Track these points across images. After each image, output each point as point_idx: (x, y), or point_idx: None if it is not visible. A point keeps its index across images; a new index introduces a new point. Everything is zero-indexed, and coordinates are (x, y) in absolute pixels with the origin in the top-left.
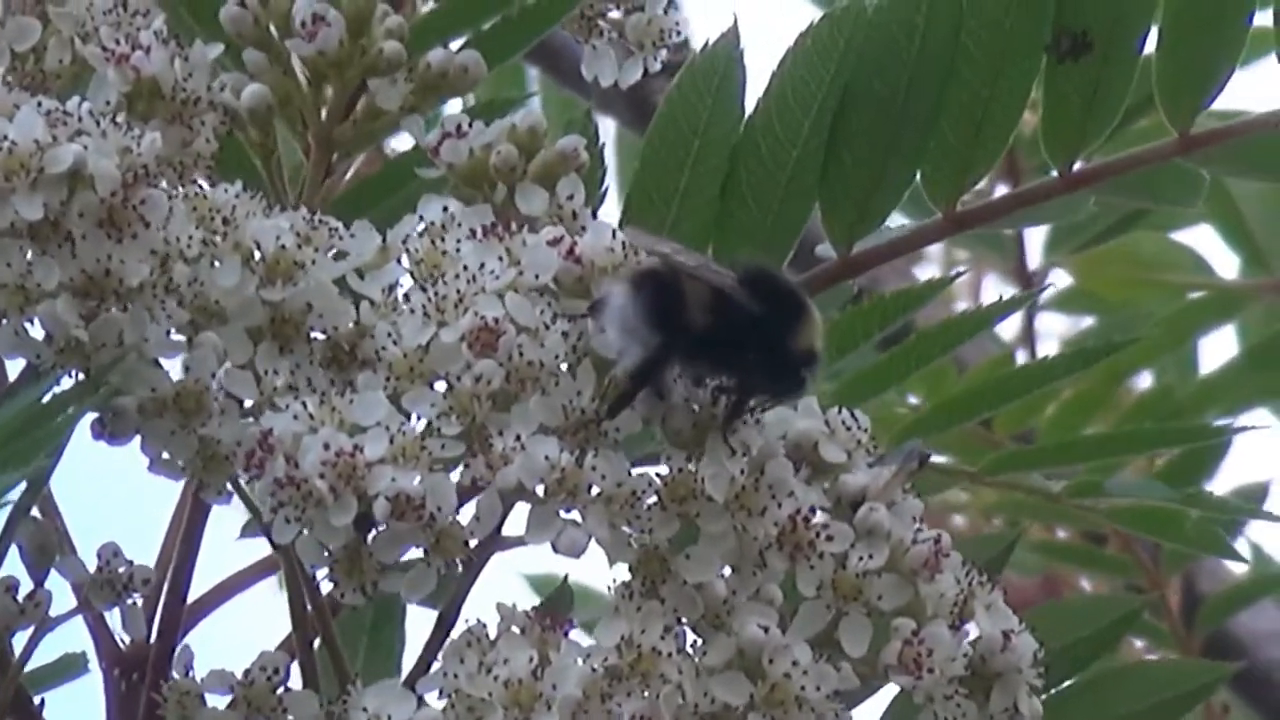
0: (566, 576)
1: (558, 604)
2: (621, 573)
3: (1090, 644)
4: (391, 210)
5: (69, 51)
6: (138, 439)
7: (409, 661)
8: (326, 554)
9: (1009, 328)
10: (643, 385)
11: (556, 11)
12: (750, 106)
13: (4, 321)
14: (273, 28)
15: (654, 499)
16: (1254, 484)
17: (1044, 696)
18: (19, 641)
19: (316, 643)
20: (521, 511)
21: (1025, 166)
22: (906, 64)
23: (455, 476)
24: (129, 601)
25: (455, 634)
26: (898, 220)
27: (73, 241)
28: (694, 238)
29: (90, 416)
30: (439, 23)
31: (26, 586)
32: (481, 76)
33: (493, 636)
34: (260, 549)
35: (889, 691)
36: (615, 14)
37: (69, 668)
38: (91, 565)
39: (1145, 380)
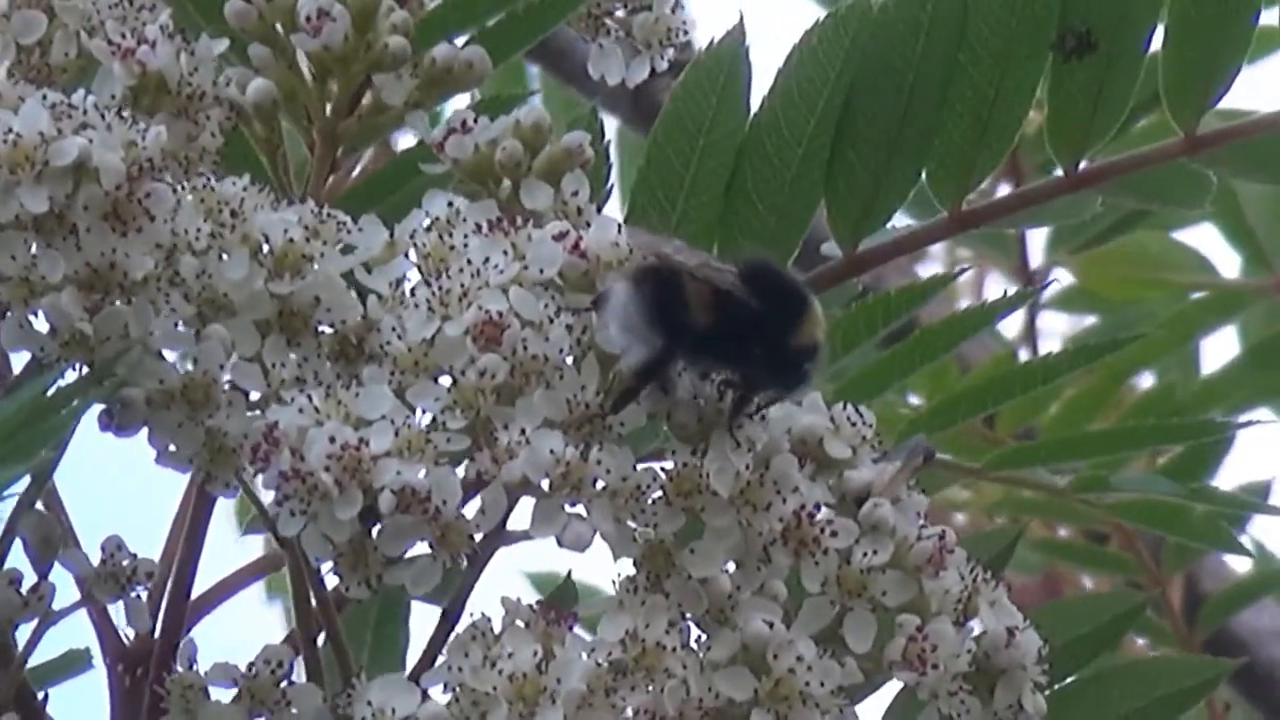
0: (570, 572)
1: (561, 600)
2: (625, 568)
3: (1092, 641)
4: (396, 206)
5: (74, 45)
6: (145, 431)
7: (413, 658)
8: (331, 547)
9: (1011, 327)
10: (647, 382)
11: (561, 9)
12: (756, 105)
13: (8, 314)
14: (278, 23)
15: (659, 493)
16: (1255, 483)
17: (1046, 693)
18: (23, 636)
19: (320, 638)
20: (526, 506)
21: (1028, 168)
22: (912, 62)
23: (460, 471)
24: (133, 595)
25: (460, 628)
26: (901, 222)
27: (77, 234)
28: (699, 236)
29: (95, 410)
30: (444, 18)
31: (29, 580)
32: (487, 72)
33: (497, 631)
34: (260, 547)
35: (892, 688)
36: (622, 12)
37: (73, 663)
38: (95, 559)
39: (1147, 381)
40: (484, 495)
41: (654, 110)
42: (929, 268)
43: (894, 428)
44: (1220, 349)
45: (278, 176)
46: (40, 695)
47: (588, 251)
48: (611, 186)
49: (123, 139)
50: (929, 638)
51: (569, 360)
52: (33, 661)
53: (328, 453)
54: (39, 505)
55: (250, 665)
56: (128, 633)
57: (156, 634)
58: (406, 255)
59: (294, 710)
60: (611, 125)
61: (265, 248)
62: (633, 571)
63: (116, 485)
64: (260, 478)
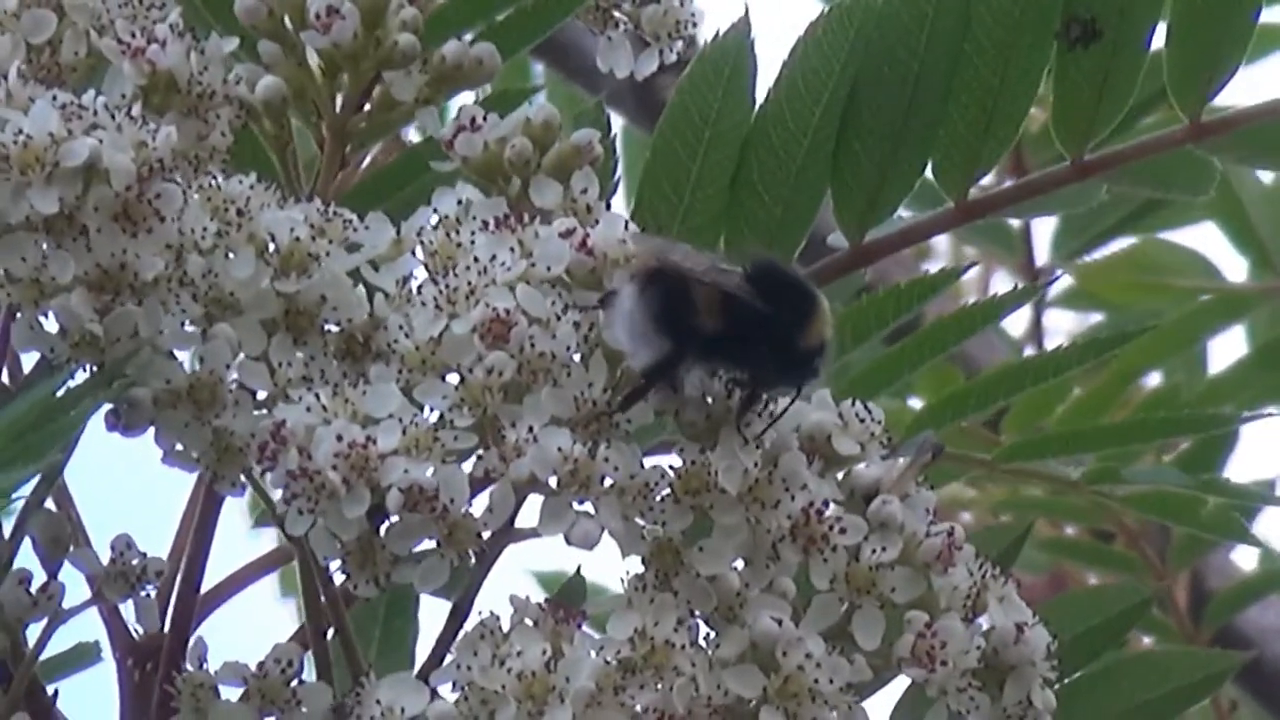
0: (579, 569)
1: (569, 598)
2: (632, 567)
3: (1100, 635)
4: (404, 203)
5: (84, 44)
6: (152, 431)
7: (422, 652)
8: (339, 545)
9: (1017, 325)
10: (656, 383)
11: (570, 3)
12: (761, 97)
13: (19, 315)
14: (287, 20)
15: (667, 491)
16: (1260, 480)
17: (1055, 688)
18: (33, 633)
19: (328, 635)
20: (534, 504)
21: (1031, 163)
22: (917, 53)
23: (467, 468)
24: (142, 594)
25: (468, 627)
26: (905, 215)
27: (87, 235)
28: (705, 228)
29: (102, 410)
30: (454, 15)
31: (39, 579)
32: (496, 69)
33: (506, 629)
34: (271, 541)
35: (900, 684)
36: (630, 5)
37: (82, 657)
38: (104, 558)
39: (1153, 381)
40: (492, 493)
41: (657, 107)
42: (933, 267)
43: (902, 424)
44: (1227, 351)
45: (287, 174)
46: (50, 690)
47: (595, 249)
48: (618, 182)
49: (133, 139)
50: (938, 634)
51: (576, 358)
52: (42, 654)
53: (335, 451)
54: (49, 504)
55: (260, 664)
56: (137, 628)
57: (166, 629)
58: (413, 253)
59: (304, 709)
60: (616, 122)
61: (271, 246)
62: (641, 569)
63: (125, 484)
64: (268, 476)
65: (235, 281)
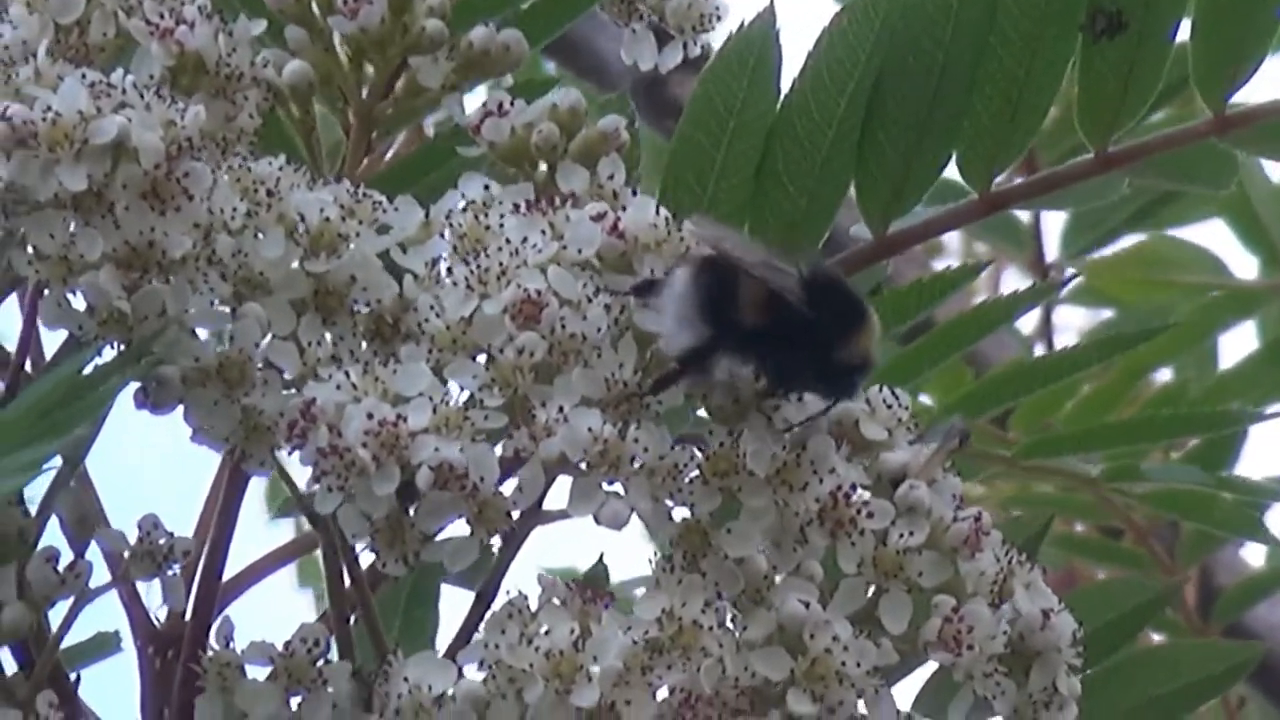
0: (602, 555)
1: (594, 583)
2: (634, 566)
3: (1116, 629)
4: (429, 188)
5: (113, 25)
6: (180, 410)
7: (442, 642)
8: (368, 524)
9: (1027, 322)
10: (689, 368)
11: None
12: (786, 87)
13: (47, 292)
14: (314, 5)
15: (695, 473)
16: (1270, 477)
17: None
18: (55, 616)
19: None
20: (561, 487)
21: (1041, 160)
22: (942, 44)
23: (497, 449)
24: (169, 573)
25: (496, 606)
26: (924, 212)
27: (115, 213)
28: (729, 218)
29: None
30: (481, 1)
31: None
32: (524, 55)
33: (534, 608)
34: (289, 533)
35: (925, 670)
36: None
37: (102, 646)
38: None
39: (1163, 377)
40: (522, 473)
41: (667, 105)
42: (942, 264)
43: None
44: (1237, 347)
45: (313, 159)
46: (73, 677)
47: (626, 232)
48: (640, 174)
49: (161, 118)
50: (964, 619)
51: (606, 340)
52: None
53: (365, 429)
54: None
55: (287, 644)
56: (158, 615)
57: (188, 615)
58: (442, 235)
59: (330, 689)
60: None
61: (301, 227)
62: (656, 556)
63: (142, 469)
64: (296, 455)
65: (265, 261)
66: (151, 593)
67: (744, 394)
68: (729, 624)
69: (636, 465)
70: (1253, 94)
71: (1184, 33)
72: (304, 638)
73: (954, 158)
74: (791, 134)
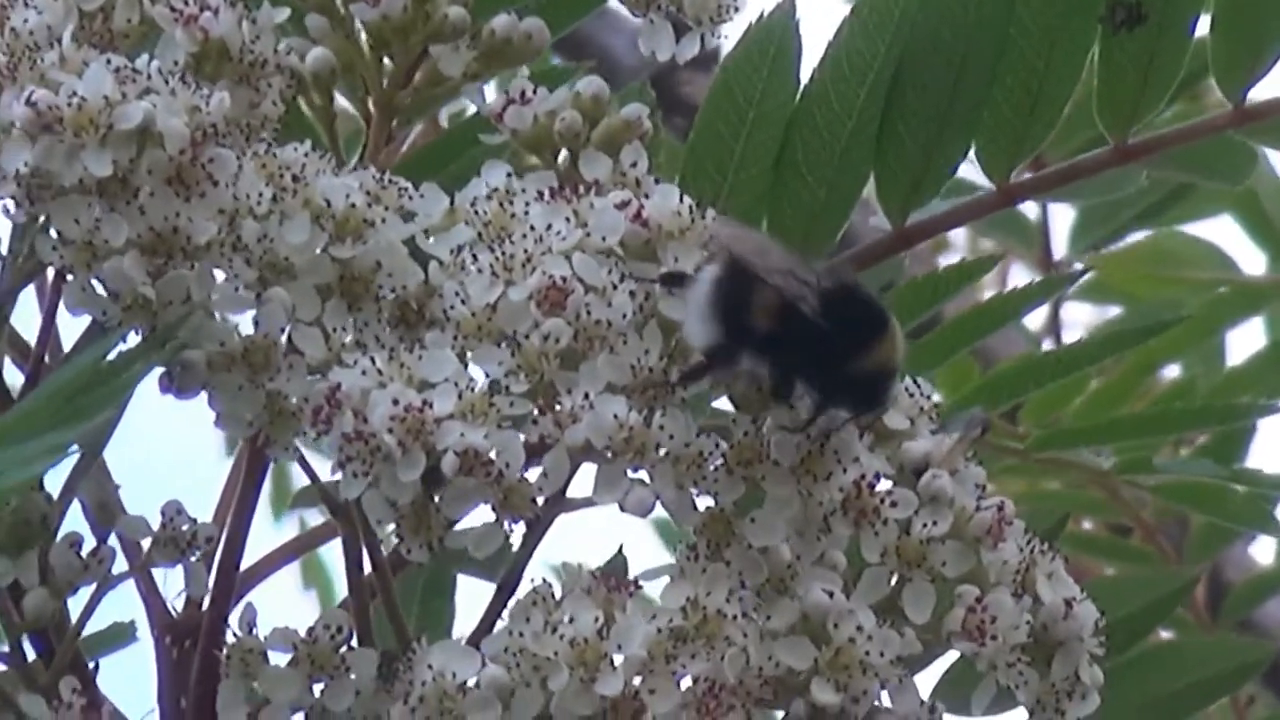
0: (621, 547)
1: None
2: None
3: (1132, 624)
4: (451, 177)
5: (137, 11)
6: (204, 395)
7: (458, 633)
8: (393, 510)
9: (1035, 318)
10: (715, 363)
11: None
12: (805, 77)
13: (71, 278)
14: None
15: (720, 461)
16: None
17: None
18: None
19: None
20: (584, 475)
21: (1049, 155)
22: (962, 35)
23: (522, 435)
24: (192, 559)
25: (520, 594)
26: (941, 205)
27: (140, 198)
28: (748, 209)
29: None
30: None
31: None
32: (545, 44)
33: (558, 596)
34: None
35: (946, 658)
36: None
37: (117, 636)
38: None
39: (1172, 373)
40: (547, 459)
41: (676, 101)
42: (949, 260)
43: None
44: (1246, 344)
45: (335, 147)
46: (91, 665)
47: (649, 220)
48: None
49: (186, 104)
50: (988, 608)
51: (632, 326)
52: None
53: (391, 414)
54: None
55: (310, 630)
56: (175, 606)
57: (204, 605)
58: (467, 223)
59: (353, 675)
60: None
61: (327, 212)
62: (692, 540)
63: (149, 464)
64: (321, 441)
65: (290, 246)
66: (168, 582)
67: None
68: (752, 613)
69: (662, 452)
70: (1264, 91)
71: (1200, 27)
72: (327, 624)
73: (973, 149)
74: (811, 125)
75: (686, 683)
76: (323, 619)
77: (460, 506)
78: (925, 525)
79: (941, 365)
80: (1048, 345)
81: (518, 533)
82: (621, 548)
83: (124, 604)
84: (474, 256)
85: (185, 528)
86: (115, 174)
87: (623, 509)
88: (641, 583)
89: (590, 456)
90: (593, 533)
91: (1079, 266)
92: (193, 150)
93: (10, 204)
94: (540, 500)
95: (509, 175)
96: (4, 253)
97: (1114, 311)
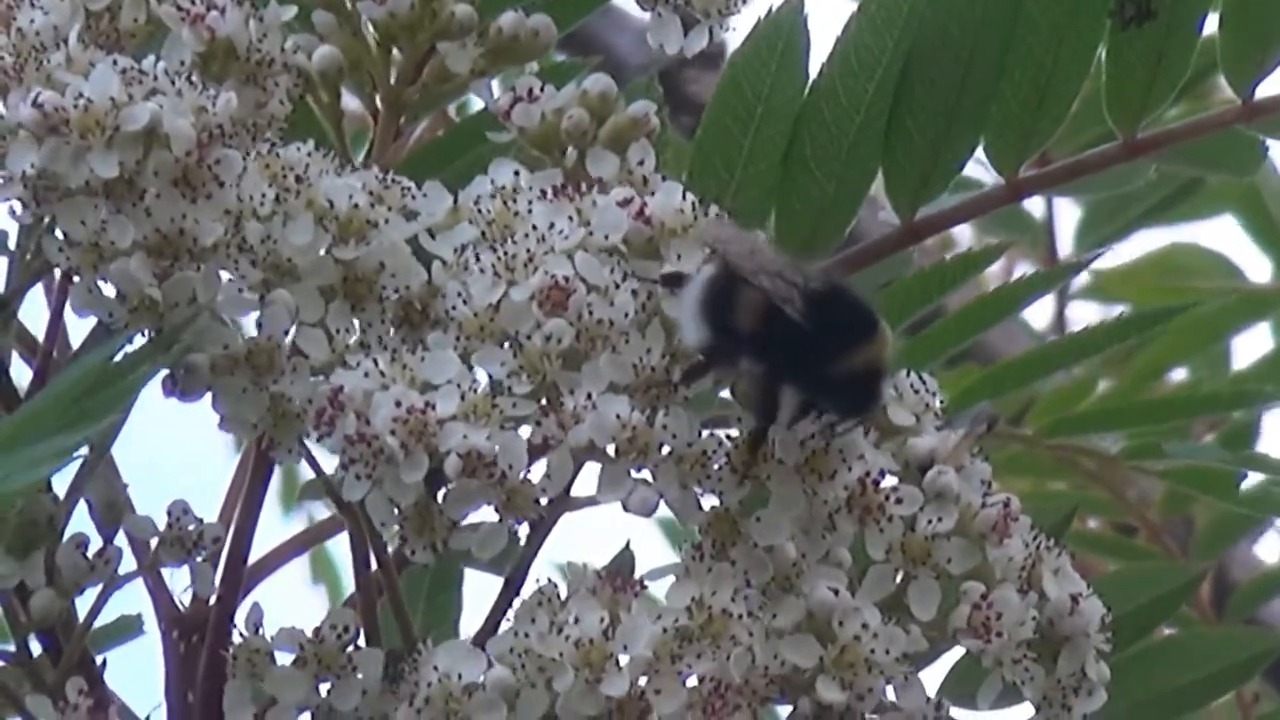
0: (629, 543)
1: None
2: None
3: (1141, 616)
4: (457, 174)
5: (143, 10)
6: (209, 397)
7: (465, 627)
8: (396, 511)
9: (1041, 318)
10: (714, 362)
11: None
12: (814, 73)
13: (77, 279)
14: None
15: (724, 460)
16: None
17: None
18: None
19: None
20: (587, 473)
21: (1055, 156)
22: (970, 30)
23: (525, 435)
24: (198, 559)
25: (525, 594)
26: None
27: (146, 200)
28: (756, 204)
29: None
30: None
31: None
32: (553, 41)
33: (563, 597)
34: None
35: (951, 654)
36: None
37: (124, 630)
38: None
39: (1178, 379)
40: (550, 459)
41: (681, 101)
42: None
43: None
44: (1251, 351)
45: (341, 145)
46: (99, 661)
47: (652, 217)
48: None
49: (193, 105)
50: (993, 605)
51: (634, 325)
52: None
53: (393, 416)
54: None
55: (316, 630)
56: (182, 600)
57: (212, 601)
58: (471, 221)
59: (359, 675)
60: None
61: (330, 213)
62: (697, 539)
63: (155, 464)
64: (324, 442)
65: (293, 248)
66: (175, 577)
67: None
68: (758, 612)
69: (665, 452)
70: (1271, 87)
71: (1207, 26)
72: (333, 624)
73: (981, 144)
74: (819, 120)
75: (692, 682)
76: (329, 619)
77: (463, 508)
78: (930, 522)
79: (939, 359)
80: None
81: (522, 531)
82: (629, 543)
83: (131, 598)
84: (476, 256)
85: (191, 527)
86: (121, 175)
87: (626, 509)
88: (646, 582)
89: (593, 456)
90: (597, 532)
91: (1085, 257)
92: (199, 152)
93: (17, 205)
94: (544, 501)
95: (516, 173)
96: (12, 249)
97: (1120, 310)
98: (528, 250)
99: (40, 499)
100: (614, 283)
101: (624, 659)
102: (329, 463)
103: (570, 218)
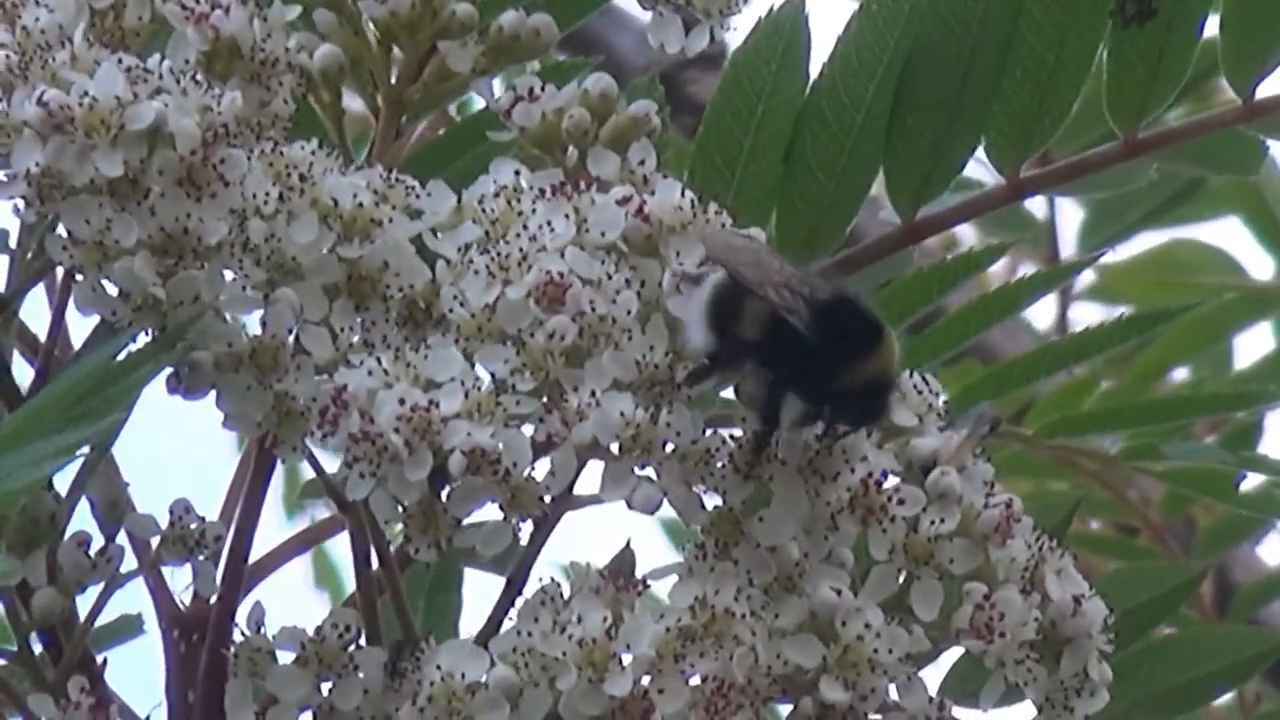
0: (629, 541)
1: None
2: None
3: (1143, 614)
4: (457, 174)
5: (148, 9)
6: (211, 395)
7: (465, 626)
8: (400, 509)
9: (1043, 319)
10: (718, 365)
11: None
12: (815, 72)
13: (81, 278)
14: None
15: (727, 459)
16: None
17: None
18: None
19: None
20: (590, 472)
21: (1055, 152)
22: (971, 29)
23: (528, 433)
24: (200, 558)
25: (528, 593)
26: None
27: (151, 199)
28: (757, 202)
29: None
30: None
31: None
32: (554, 39)
33: (566, 596)
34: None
35: (951, 653)
36: None
37: (125, 629)
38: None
39: (1180, 378)
40: (554, 457)
41: (681, 101)
42: None
43: None
44: (1253, 349)
45: (343, 144)
46: (100, 660)
47: (651, 215)
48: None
49: (198, 104)
50: (996, 606)
51: (636, 322)
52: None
53: (397, 414)
54: None
55: (318, 629)
56: (183, 599)
57: (212, 599)
58: (475, 221)
59: (361, 674)
60: None
61: (335, 212)
62: (700, 539)
63: (154, 463)
64: (328, 441)
65: (297, 246)
66: (176, 576)
67: None
68: (761, 612)
69: (669, 449)
70: (1272, 86)
71: (1207, 28)
72: (335, 623)
73: (982, 144)
74: (820, 118)
75: (695, 682)
76: (331, 618)
77: (467, 506)
78: (933, 522)
79: (939, 358)
80: None
81: (525, 530)
82: (629, 543)
83: (132, 597)
84: (471, 258)
85: (194, 526)
86: (126, 174)
87: (630, 506)
88: (649, 582)
89: (597, 454)
90: (597, 532)
91: (1087, 257)
92: (204, 151)
93: (21, 203)
94: (547, 498)
95: (517, 173)
96: (13, 248)
97: (1123, 311)
98: (521, 249)
99: (42, 497)
100: (608, 275)
101: (627, 658)
102: (331, 462)
103: (567, 216)
